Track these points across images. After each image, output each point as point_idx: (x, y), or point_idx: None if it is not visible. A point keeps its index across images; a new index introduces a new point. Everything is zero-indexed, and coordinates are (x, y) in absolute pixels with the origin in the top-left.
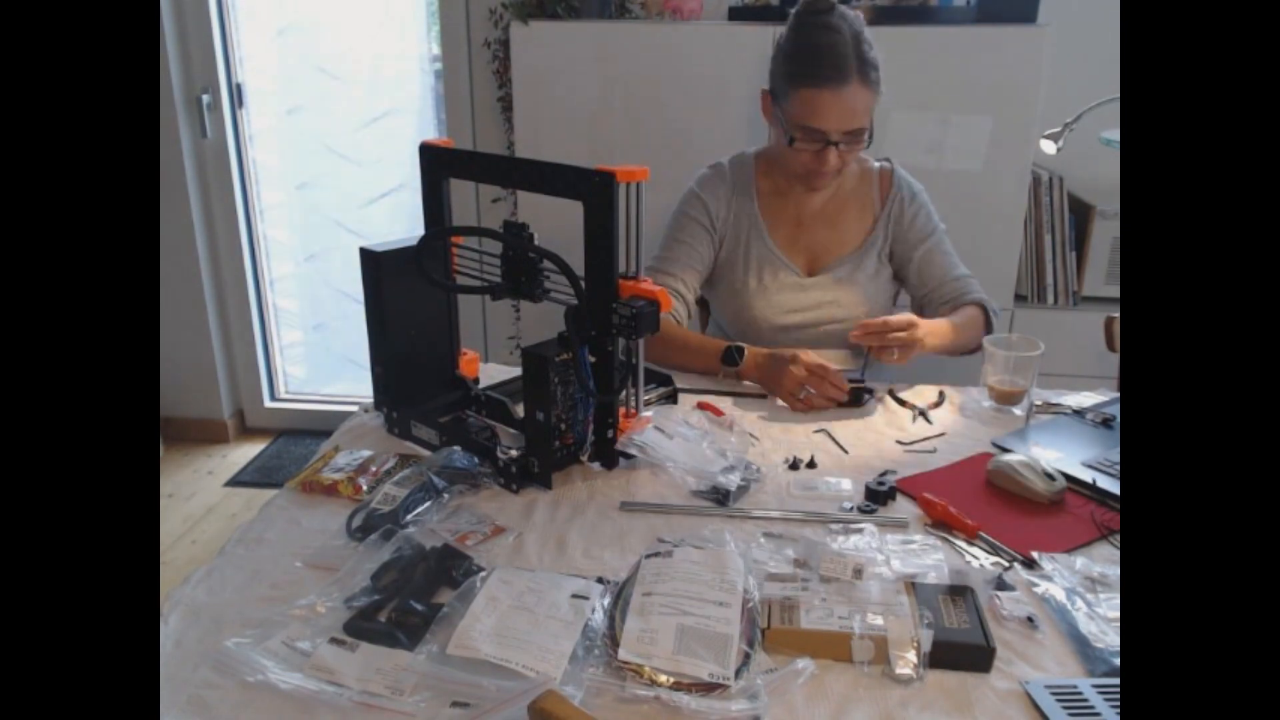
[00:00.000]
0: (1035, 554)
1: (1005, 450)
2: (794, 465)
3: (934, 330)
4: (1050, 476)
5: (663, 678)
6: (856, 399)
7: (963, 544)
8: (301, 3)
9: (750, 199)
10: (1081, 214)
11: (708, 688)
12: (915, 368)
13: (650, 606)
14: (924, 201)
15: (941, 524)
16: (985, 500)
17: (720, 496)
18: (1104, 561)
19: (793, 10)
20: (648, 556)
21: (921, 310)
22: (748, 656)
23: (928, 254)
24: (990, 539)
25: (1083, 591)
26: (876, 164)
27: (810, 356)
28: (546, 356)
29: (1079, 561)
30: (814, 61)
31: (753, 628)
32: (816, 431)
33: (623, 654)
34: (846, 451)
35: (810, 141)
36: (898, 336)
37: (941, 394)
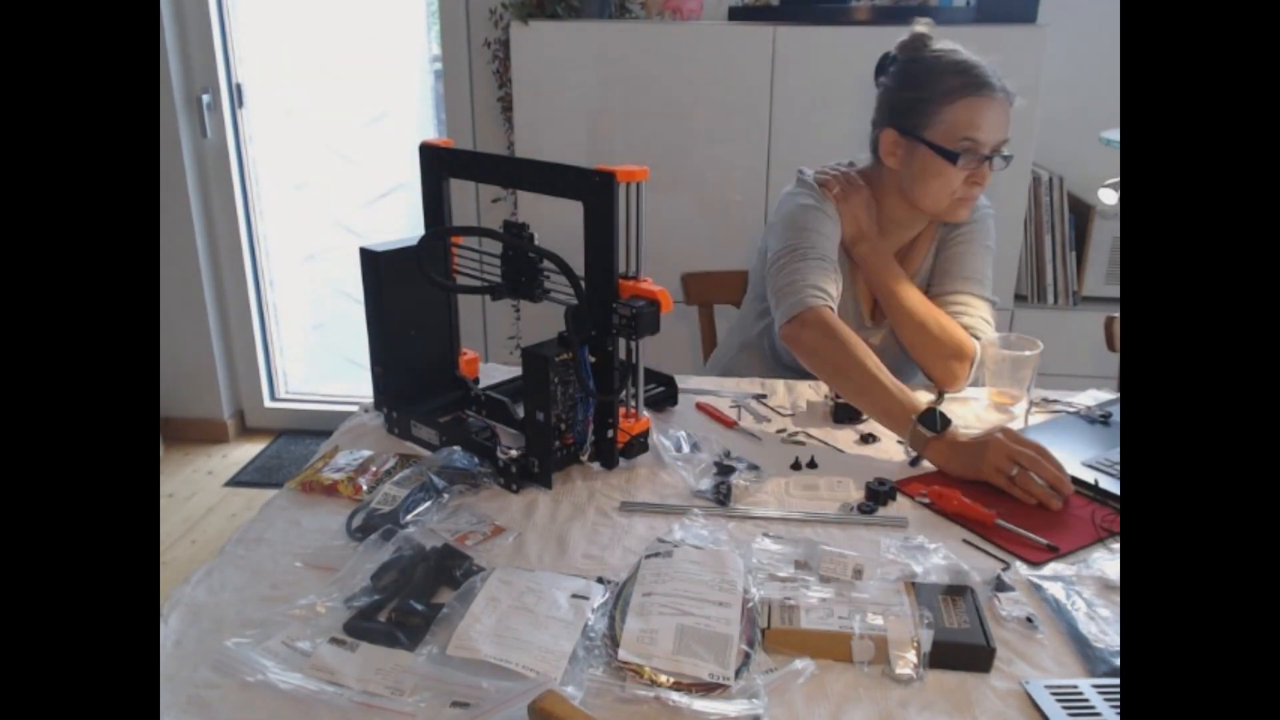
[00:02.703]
0: (1016, 560)
1: None
2: (795, 465)
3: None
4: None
5: (663, 678)
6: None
7: (975, 537)
8: (301, 3)
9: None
10: (1081, 214)
11: (708, 688)
12: (915, 367)
13: (650, 606)
14: (979, 216)
15: (957, 517)
16: (985, 500)
17: (720, 497)
18: (1104, 562)
19: (898, 50)
20: (648, 557)
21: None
22: (748, 656)
23: (959, 248)
24: (1009, 524)
25: (1082, 591)
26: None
27: (1005, 438)
28: (546, 356)
29: (1081, 561)
30: (965, 74)
31: (753, 628)
32: (812, 435)
33: (623, 654)
34: (842, 451)
35: (973, 157)
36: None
37: (941, 394)
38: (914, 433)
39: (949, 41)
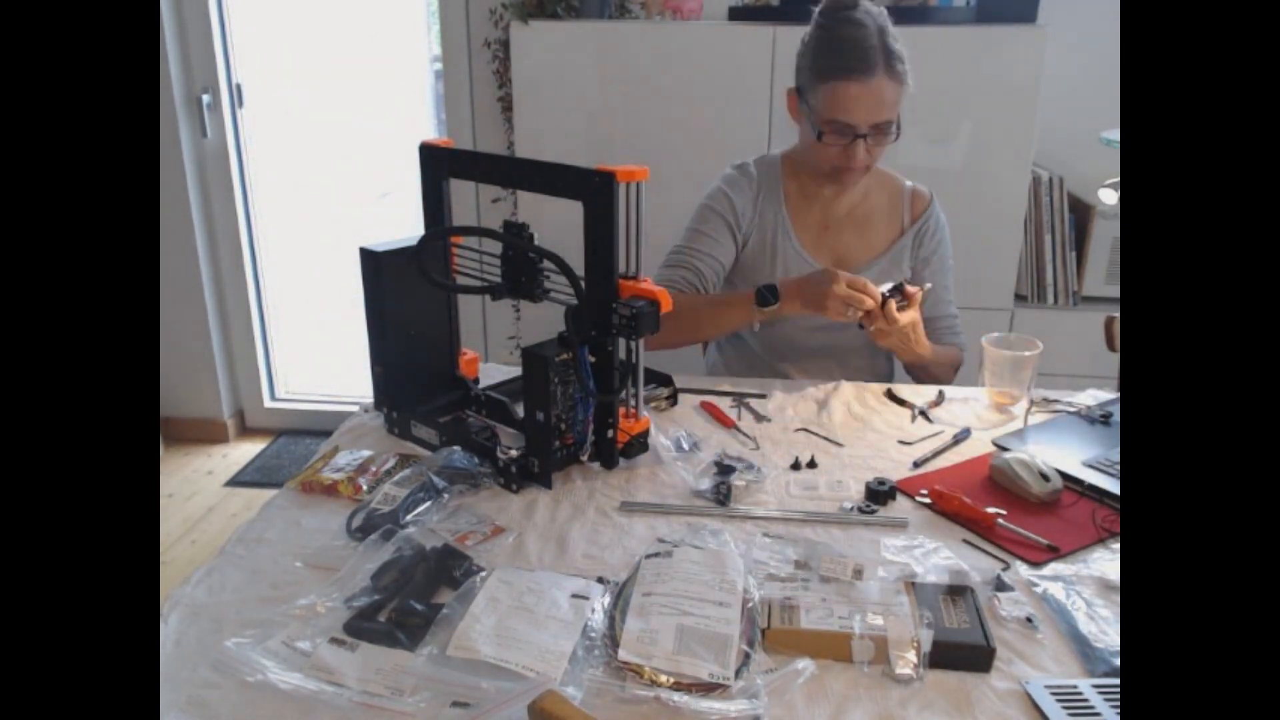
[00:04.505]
0: (1017, 560)
1: (1005, 450)
2: (795, 465)
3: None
4: (1045, 477)
5: (663, 678)
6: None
7: (975, 537)
8: (301, 3)
9: (778, 201)
10: (1081, 214)
11: (708, 688)
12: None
13: (650, 607)
14: (946, 237)
15: (957, 517)
16: (986, 500)
17: (720, 497)
18: (1104, 562)
19: (816, 8)
20: (648, 557)
21: None
22: (748, 656)
23: (933, 286)
24: (1010, 524)
25: (1082, 591)
26: (910, 184)
27: (845, 274)
28: (546, 356)
29: (1081, 561)
30: (841, 54)
31: (753, 628)
32: (811, 431)
33: (623, 654)
34: (841, 444)
35: (839, 135)
36: (895, 321)
37: (941, 393)
38: (761, 314)
39: (868, 9)
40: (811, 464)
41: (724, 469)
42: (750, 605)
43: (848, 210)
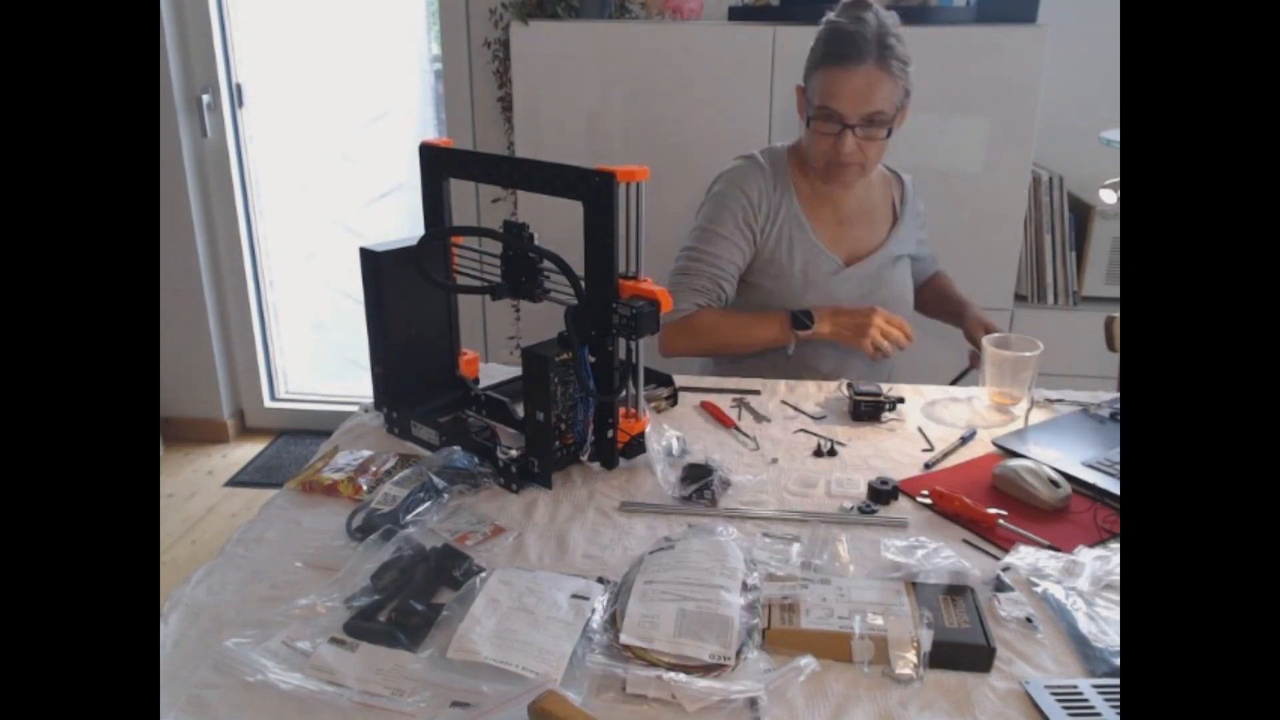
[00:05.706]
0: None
1: (1007, 451)
2: (817, 452)
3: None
4: (1055, 484)
5: (664, 659)
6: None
7: (975, 537)
8: (301, 3)
9: (789, 194)
10: (1081, 214)
11: (708, 668)
12: (915, 368)
13: (652, 593)
14: (920, 206)
15: (958, 517)
16: (988, 502)
17: (707, 501)
18: (1105, 562)
19: (836, 9)
20: (651, 553)
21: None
22: (749, 634)
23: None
24: (1010, 525)
25: (1082, 591)
26: (884, 169)
27: (884, 311)
28: (546, 356)
29: (1081, 562)
30: (833, 43)
31: (753, 610)
32: (811, 431)
33: (624, 638)
34: (844, 444)
35: (827, 123)
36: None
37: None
38: (796, 337)
39: (878, 12)
40: (832, 451)
41: (699, 471)
42: (753, 592)
43: (858, 205)
